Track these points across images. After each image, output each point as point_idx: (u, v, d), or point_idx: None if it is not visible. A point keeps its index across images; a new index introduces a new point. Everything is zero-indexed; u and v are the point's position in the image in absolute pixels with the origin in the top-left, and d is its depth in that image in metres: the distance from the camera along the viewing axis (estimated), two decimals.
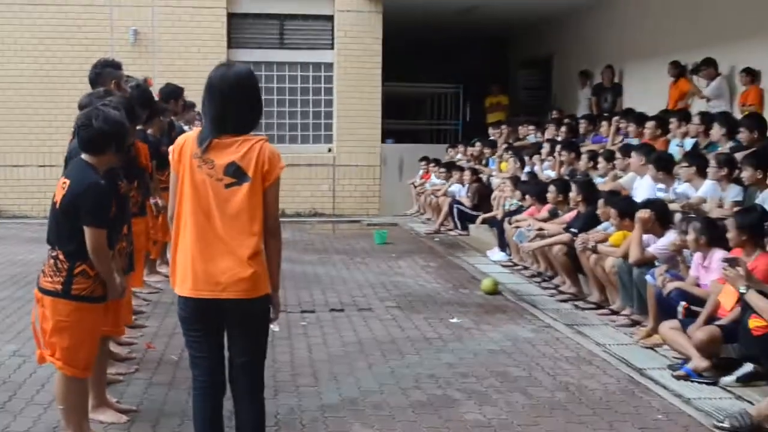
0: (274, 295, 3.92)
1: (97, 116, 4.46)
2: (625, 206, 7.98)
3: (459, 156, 16.06)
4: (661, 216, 7.49)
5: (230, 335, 3.90)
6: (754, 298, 5.49)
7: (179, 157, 3.82)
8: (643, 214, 7.43)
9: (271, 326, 4.06)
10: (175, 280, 3.87)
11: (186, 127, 10.24)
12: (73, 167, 4.55)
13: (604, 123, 12.62)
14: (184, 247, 3.80)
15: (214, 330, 3.87)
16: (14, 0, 15.03)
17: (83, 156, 4.52)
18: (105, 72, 6.23)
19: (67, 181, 4.45)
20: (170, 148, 3.89)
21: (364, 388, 5.77)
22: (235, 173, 3.73)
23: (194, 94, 12.04)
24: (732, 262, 5.66)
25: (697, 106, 11.90)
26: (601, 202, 8.56)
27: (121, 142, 4.59)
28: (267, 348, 4.01)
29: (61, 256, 4.44)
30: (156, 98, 8.43)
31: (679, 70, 12.70)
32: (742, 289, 5.53)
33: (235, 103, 3.78)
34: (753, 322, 5.50)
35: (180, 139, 3.90)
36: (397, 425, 5.07)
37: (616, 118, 12.33)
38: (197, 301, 3.78)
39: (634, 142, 10.81)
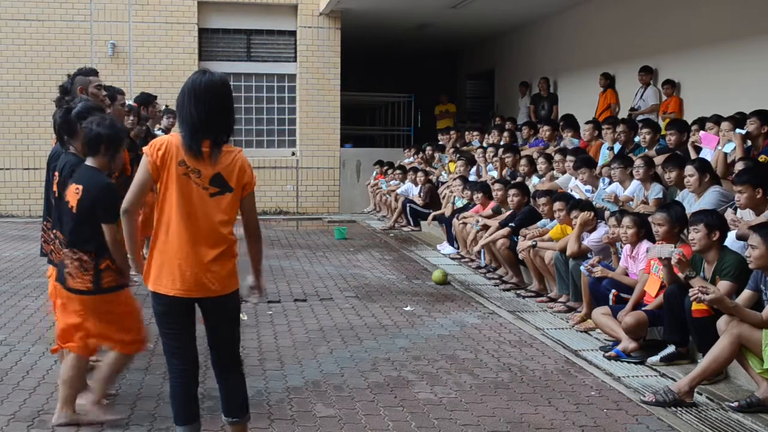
0: (258, 279, 3.95)
1: (98, 122, 4.54)
2: (573, 202, 7.95)
3: (411, 159, 16.09)
4: (595, 213, 7.57)
5: (210, 325, 3.88)
6: (698, 283, 5.42)
7: (162, 160, 3.67)
8: (587, 215, 7.45)
9: (241, 315, 4.07)
10: (149, 277, 3.77)
11: (159, 132, 10.09)
12: (83, 174, 4.52)
13: (544, 128, 12.64)
14: (168, 248, 3.71)
15: (191, 324, 3.86)
16: (0, 15, 14.76)
17: (87, 162, 4.55)
18: (76, 80, 6.08)
19: (80, 187, 4.43)
20: (145, 148, 3.74)
21: (326, 371, 5.73)
22: (219, 183, 3.71)
23: (168, 101, 11.95)
24: (665, 251, 5.61)
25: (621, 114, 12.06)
26: (543, 200, 8.56)
27: (111, 146, 4.55)
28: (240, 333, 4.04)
29: (84, 257, 4.44)
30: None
31: (608, 81, 12.85)
32: (691, 274, 5.47)
33: (216, 110, 3.69)
34: (695, 305, 5.42)
35: (159, 142, 3.73)
36: (356, 405, 5.04)
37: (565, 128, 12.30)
38: (181, 299, 3.73)
39: (576, 141, 10.90)
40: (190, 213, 3.69)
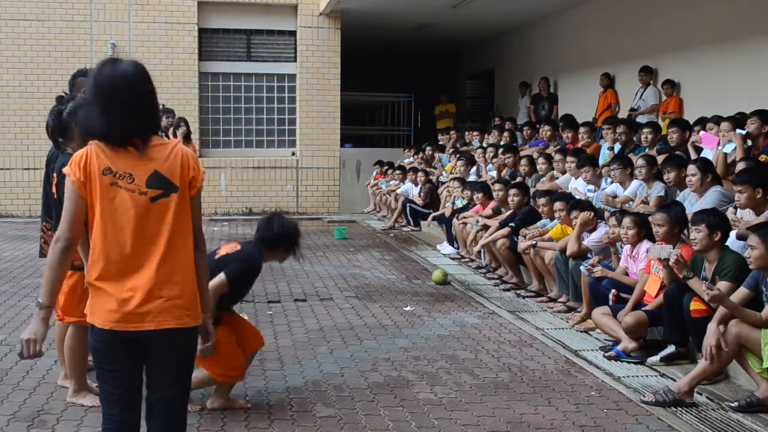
0: (206, 320, 3.21)
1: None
2: (573, 202, 7.96)
3: (411, 159, 16.10)
4: (595, 213, 7.57)
5: (156, 369, 3.10)
6: (696, 284, 5.48)
7: (85, 173, 2.95)
8: (587, 215, 7.46)
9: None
10: (91, 309, 3.04)
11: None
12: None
13: (544, 128, 12.64)
14: (107, 274, 2.96)
15: (136, 364, 3.08)
16: (0, 15, 14.77)
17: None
18: (77, 81, 6.07)
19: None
20: (65, 169, 3.00)
21: (326, 371, 5.73)
22: (161, 183, 2.97)
23: (168, 101, 11.95)
24: (664, 252, 5.63)
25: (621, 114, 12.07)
26: (543, 200, 8.56)
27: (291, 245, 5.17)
28: (190, 382, 3.34)
29: None
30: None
31: (608, 81, 12.86)
32: (688, 275, 5.50)
33: (136, 103, 3.04)
34: (693, 305, 5.48)
35: (77, 155, 3.00)
36: (356, 405, 5.04)
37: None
38: (121, 334, 2.96)
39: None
40: (125, 228, 2.95)
